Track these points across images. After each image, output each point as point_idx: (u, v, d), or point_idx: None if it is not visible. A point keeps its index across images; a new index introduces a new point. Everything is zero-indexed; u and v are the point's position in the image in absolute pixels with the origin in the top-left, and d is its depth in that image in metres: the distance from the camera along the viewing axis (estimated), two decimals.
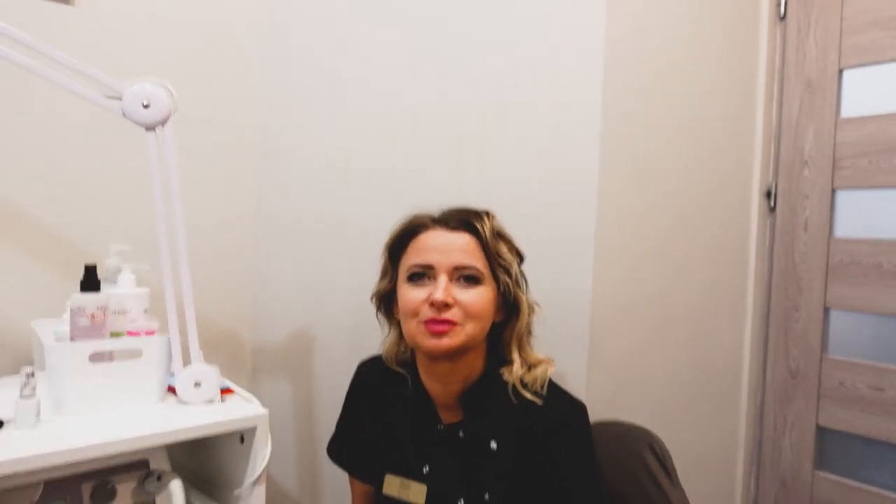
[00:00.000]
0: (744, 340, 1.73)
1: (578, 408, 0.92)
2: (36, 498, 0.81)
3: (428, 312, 0.86)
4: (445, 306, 0.86)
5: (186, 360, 0.94)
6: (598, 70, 1.16)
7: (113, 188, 1.19)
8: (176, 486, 0.85)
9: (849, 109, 1.63)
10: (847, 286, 1.62)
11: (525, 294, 0.94)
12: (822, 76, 1.66)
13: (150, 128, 0.89)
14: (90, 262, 0.91)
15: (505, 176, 1.25)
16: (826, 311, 1.65)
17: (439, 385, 0.94)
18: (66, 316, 0.95)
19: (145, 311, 0.98)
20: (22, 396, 0.79)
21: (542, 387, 0.91)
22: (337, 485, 1.37)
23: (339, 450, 1.06)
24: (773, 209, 1.75)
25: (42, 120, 1.12)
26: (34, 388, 0.80)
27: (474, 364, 0.93)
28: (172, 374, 0.94)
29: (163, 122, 0.89)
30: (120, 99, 0.87)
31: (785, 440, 1.71)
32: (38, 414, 0.81)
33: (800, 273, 1.70)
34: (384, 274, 0.97)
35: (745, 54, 1.67)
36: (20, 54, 0.84)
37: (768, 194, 1.75)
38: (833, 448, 1.65)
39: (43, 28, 1.09)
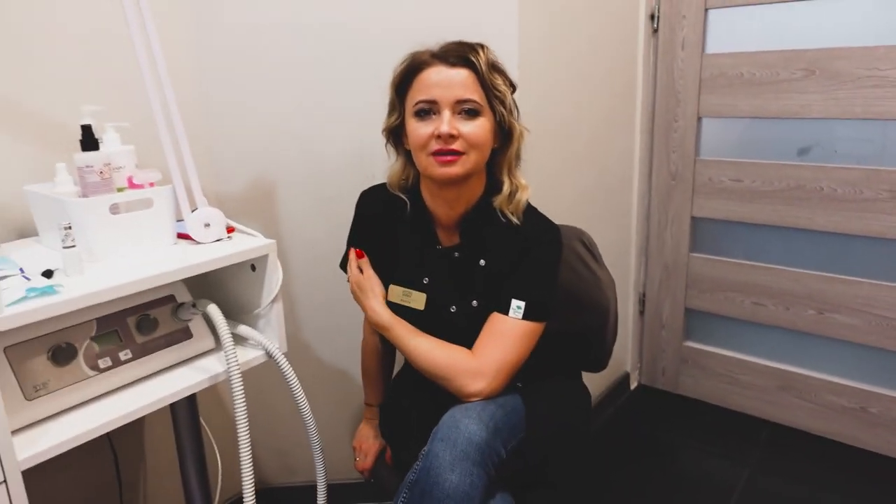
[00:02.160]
0: (634, 151, 2.10)
1: (552, 228, 1.16)
2: (93, 333, 0.98)
3: (435, 145, 1.03)
4: (451, 137, 1.02)
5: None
6: None
7: (73, 52, 1.22)
8: (213, 309, 1.04)
9: None
10: (716, 96, 1.99)
11: (517, 121, 1.11)
12: None
13: None
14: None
15: (437, 21, 1.41)
16: (699, 119, 2.04)
17: (444, 209, 1.14)
18: (59, 177, 1.05)
19: (136, 166, 1.09)
20: (65, 247, 0.92)
21: (521, 210, 1.14)
22: (308, 307, 1.61)
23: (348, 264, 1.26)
24: (655, 31, 2.05)
25: None
26: (74, 239, 0.93)
27: (475, 189, 1.13)
28: (179, 221, 1.09)
29: None
30: None
31: (667, 232, 2.16)
32: (81, 262, 0.94)
33: (678, 88, 2.04)
34: (392, 109, 1.13)
35: None
36: None
37: (652, 17, 2.03)
38: (704, 233, 2.13)
39: None
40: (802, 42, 1.82)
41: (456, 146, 1.04)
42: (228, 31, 1.43)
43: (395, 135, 1.15)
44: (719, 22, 1.96)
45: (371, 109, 1.42)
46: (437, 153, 1.04)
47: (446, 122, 1.03)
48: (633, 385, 2.33)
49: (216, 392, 1.61)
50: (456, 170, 1.05)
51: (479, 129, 1.05)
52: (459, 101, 1.04)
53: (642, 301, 2.27)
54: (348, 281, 1.25)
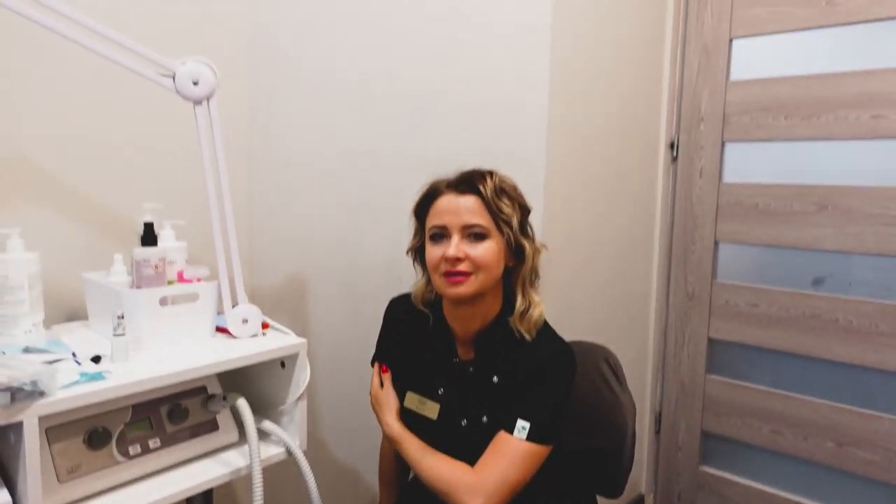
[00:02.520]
0: (652, 270, 2.17)
1: (565, 351, 1.18)
2: (128, 419, 1.02)
3: (445, 266, 1.10)
4: (457, 260, 1.09)
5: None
6: (546, 56, 1.46)
7: (141, 155, 1.36)
8: (242, 403, 1.09)
9: (737, 73, 2.05)
10: (732, 223, 2.08)
11: (529, 241, 1.16)
12: (716, 43, 2.06)
13: (198, 102, 1.07)
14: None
15: (470, 142, 1.53)
16: (716, 244, 2.12)
17: (461, 325, 1.21)
18: (115, 268, 1.14)
19: (187, 261, 1.18)
20: (115, 335, 0.99)
21: (535, 328, 1.18)
22: (331, 406, 1.64)
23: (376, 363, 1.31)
24: (675, 159, 2.17)
25: (81, 98, 1.27)
26: (125, 328, 1.00)
27: (491, 306, 1.18)
28: (218, 314, 1.16)
29: (209, 97, 1.08)
30: (172, 77, 1.05)
31: (684, 351, 2.19)
32: (128, 350, 1.01)
33: (696, 213, 2.14)
34: (415, 233, 1.22)
35: (653, 25, 2.02)
36: (76, 31, 0.99)
37: (672, 146, 2.16)
38: (720, 355, 2.15)
39: None
40: (815, 178, 1.92)
41: (462, 267, 1.10)
42: (276, 146, 1.57)
43: (420, 254, 1.23)
44: (736, 154, 2.08)
45: (400, 217, 1.53)
46: (446, 274, 1.11)
47: (454, 245, 1.10)
48: None
49: (228, 484, 1.61)
50: (464, 289, 1.11)
51: (485, 251, 1.11)
52: (466, 226, 1.11)
53: (658, 420, 2.26)
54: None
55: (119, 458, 1.00)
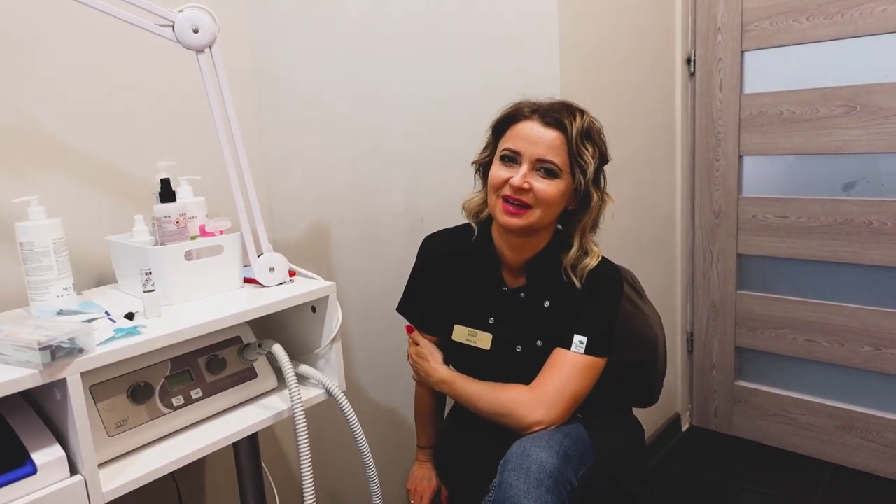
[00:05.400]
0: (675, 190, 2.12)
1: (613, 268, 1.19)
2: (168, 372, 1.03)
3: (506, 191, 1.08)
4: (521, 190, 1.07)
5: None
6: None
7: (149, 115, 1.35)
8: (278, 348, 1.09)
9: None
10: (756, 134, 2.01)
11: (598, 192, 1.13)
12: None
13: (200, 50, 1.04)
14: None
15: (480, 70, 1.48)
16: (740, 157, 2.05)
17: (511, 252, 1.19)
18: (137, 228, 1.14)
19: (207, 216, 1.17)
20: (146, 291, 0.99)
21: (583, 276, 1.15)
22: (362, 351, 1.65)
23: (409, 308, 1.30)
24: (692, 74, 2.09)
25: (84, 62, 1.25)
26: (154, 284, 1.00)
27: (541, 239, 1.16)
28: (245, 266, 1.16)
29: (210, 45, 1.04)
30: (171, 26, 1.02)
31: (713, 270, 2.15)
32: (160, 305, 1.01)
33: (717, 128, 2.07)
34: (486, 147, 1.18)
35: None
36: None
37: (688, 61, 2.07)
38: (751, 271, 2.11)
39: None
40: (841, 79, 1.84)
41: (525, 198, 1.08)
42: (289, 87, 1.53)
43: (485, 168, 1.19)
44: (756, 63, 1.99)
45: (415, 159, 1.49)
46: (505, 199, 1.09)
47: (521, 175, 1.07)
48: (685, 426, 2.28)
49: (272, 433, 1.65)
50: (518, 221, 1.09)
51: (551, 188, 1.08)
52: (541, 160, 1.07)
53: (690, 340, 2.25)
54: (408, 358, 1.30)
55: (164, 409, 1.01)
